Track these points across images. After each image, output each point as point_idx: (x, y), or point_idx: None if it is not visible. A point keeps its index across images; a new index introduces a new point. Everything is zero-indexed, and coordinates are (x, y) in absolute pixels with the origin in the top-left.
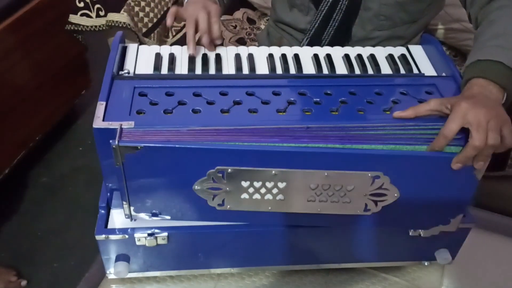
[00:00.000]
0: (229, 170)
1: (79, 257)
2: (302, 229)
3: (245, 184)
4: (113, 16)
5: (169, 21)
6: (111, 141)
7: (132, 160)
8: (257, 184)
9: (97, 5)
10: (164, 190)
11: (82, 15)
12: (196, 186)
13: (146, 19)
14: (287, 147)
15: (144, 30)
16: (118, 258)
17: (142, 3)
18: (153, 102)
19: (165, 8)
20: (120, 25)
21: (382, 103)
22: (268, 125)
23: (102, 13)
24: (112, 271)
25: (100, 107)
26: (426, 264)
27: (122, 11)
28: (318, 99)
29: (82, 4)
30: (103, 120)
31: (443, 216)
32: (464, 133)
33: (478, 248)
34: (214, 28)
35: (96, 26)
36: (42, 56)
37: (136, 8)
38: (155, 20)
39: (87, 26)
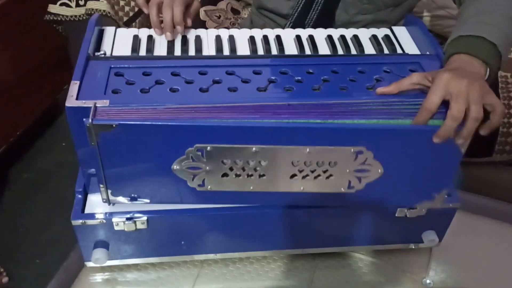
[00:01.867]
0: (208, 148)
1: (62, 252)
2: (287, 212)
3: (225, 162)
4: (92, 4)
5: (145, 9)
6: (84, 119)
7: (107, 139)
8: (238, 163)
9: None
10: (142, 171)
11: (61, 4)
12: (175, 166)
13: (127, 8)
14: (267, 122)
15: (125, 19)
16: (97, 245)
17: None
18: (130, 82)
19: None
20: (100, 13)
21: (365, 81)
22: (248, 103)
23: (81, 2)
24: (90, 259)
25: (74, 86)
26: (413, 247)
27: None
28: (299, 78)
29: None
30: (77, 99)
31: (427, 191)
32: (447, 106)
33: (465, 231)
34: (174, 10)
35: (76, 16)
36: (21, 49)
37: None
38: (136, 9)
39: (67, 16)
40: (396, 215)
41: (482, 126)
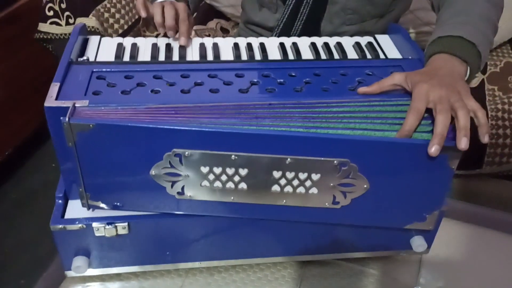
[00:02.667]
0: (186, 153)
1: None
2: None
3: (204, 170)
4: (81, 21)
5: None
6: (61, 118)
7: (85, 140)
8: (217, 170)
9: (67, 13)
10: (121, 175)
11: (51, 23)
12: (153, 171)
13: (116, 26)
14: (247, 129)
15: (114, 36)
16: (77, 252)
17: (112, 10)
18: (111, 84)
19: (136, 16)
20: (89, 29)
21: (348, 82)
22: (229, 102)
23: (71, 21)
24: (71, 268)
25: (54, 87)
26: (402, 254)
27: (90, 16)
28: (281, 80)
29: (51, 13)
30: (56, 99)
31: (417, 211)
32: (429, 116)
33: (455, 239)
34: (181, 26)
35: (65, 34)
36: (11, 68)
37: (106, 14)
38: (125, 27)
39: (56, 34)
40: None
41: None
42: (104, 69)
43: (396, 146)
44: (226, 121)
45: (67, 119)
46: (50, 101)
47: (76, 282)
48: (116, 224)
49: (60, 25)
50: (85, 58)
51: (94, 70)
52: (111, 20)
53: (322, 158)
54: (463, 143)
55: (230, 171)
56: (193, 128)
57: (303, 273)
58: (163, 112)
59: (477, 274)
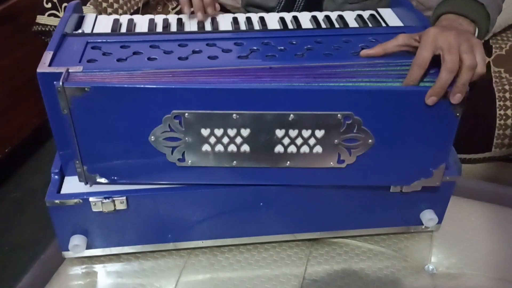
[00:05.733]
0: (186, 114)
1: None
2: (276, 191)
3: (205, 132)
4: None
5: None
6: (55, 82)
7: (80, 106)
8: (218, 132)
9: (65, 4)
10: (119, 143)
11: (49, 15)
12: (152, 137)
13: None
14: (248, 85)
15: None
16: (75, 231)
17: (110, 0)
18: (107, 53)
19: (135, 7)
20: None
21: (351, 48)
22: (228, 66)
23: None
24: (68, 248)
25: (47, 55)
26: (412, 231)
27: (88, 4)
28: (282, 47)
29: (49, 5)
30: (50, 66)
31: (424, 166)
32: (438, 66)
33: (466, 217)
34: None
35: None
36: (11, 65)
37: (104, 4)
38: None
39: (55, 26)
40: (390, 190)
41: None
42: (99, 40)
43: (399, 94)
44: (225, 80)
45: (60, 83)
46: (43, 67)
47: (74, 265)
48: (114, 199)
49: (58, 16)
50: (80, 31)
51: (89, 41)
52: (109, 10)
53: (326, 112)
54: (456, 98)
55: (231, 132)
56: (193, 86)
57: (309, 253)
58: (160, 76)
59: (490, 252)
